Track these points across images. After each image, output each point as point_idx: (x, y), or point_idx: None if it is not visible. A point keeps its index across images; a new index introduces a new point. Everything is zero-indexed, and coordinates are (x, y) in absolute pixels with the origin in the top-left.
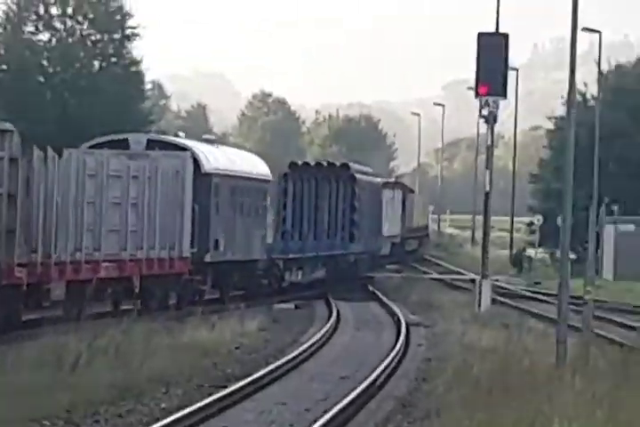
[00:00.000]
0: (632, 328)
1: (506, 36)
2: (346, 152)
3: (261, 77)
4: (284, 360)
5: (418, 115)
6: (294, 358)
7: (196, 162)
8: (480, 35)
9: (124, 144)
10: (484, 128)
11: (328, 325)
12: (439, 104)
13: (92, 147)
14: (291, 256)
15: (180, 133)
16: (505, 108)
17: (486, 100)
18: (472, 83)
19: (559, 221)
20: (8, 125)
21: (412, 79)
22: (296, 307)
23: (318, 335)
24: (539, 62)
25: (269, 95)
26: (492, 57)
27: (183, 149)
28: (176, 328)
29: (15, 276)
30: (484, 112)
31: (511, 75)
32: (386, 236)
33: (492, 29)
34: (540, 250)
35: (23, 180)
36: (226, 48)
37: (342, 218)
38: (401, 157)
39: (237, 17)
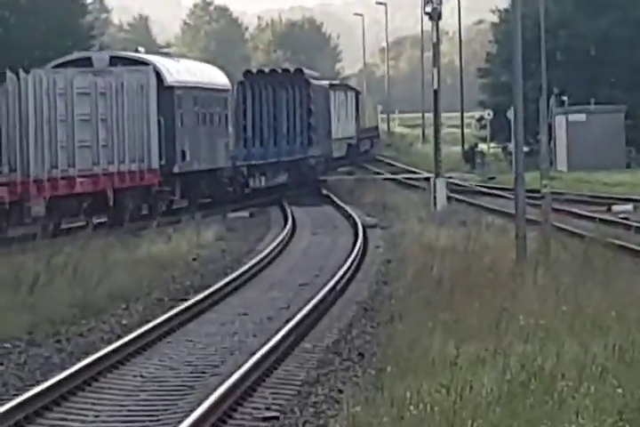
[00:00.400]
0: (591, 219)
1: None
2: (290, 56)
3: None
4: (241, 270)
5: (361, 15)
6: (252, 266)
7: (159, 76)
8: None
9: (87, 62)
10: (428, 25)
11: (284, 231)
12: (381, 3)
13: (56, 66)
14: (254, 163)
15: (140, 49)
16: (447, 3)
17: None
18: None
19: (510, 114)
20: None
21: None
22: (251, 215)
23: (275, 242)
24: None
25: (210, 3)
26: None
27: (145, 63)
28: (132, 242)
29: None
30: (428, 9)
31: None
32: (341, 137)
33: None
34: (492, 144)
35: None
36: None
37: (300, 123)
38: (346, 58)
39: None
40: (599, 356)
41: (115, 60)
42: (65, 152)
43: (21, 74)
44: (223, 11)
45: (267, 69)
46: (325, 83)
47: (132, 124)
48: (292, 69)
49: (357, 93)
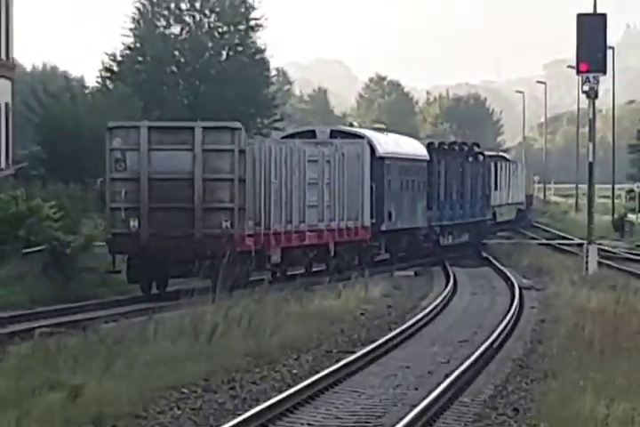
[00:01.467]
0: None
1: (604, 16)
2: (456, 129)
3: (377, 62)
4: (405, 326)
5: (521, 93)
6: (415, 323)
7: (372, 147)
8: (579, 15)
9: (311, 134)
10: (584, 103)
11: (446, 290)
12: (541, 82)
13: (284, 137)
14: (445, 223)
15: (355, 123)
16: (601, 85)
17: (587, 77)
18: (570, 62)
19: None
20: (237, 124)
21: (514, 61)
22: (416, 274)
23: (437, 301)
24: (631, 41)
25: (384, 79)
26: (591, 36)
27: (360, 137)
28: (304, 297)
29: (246, 244)
30: (585, 88)
31: (607, 53)
32: (511, 203)
33: (589, 10)
34: None
35: (250, 167)
36: (344, 36)
37: (478, 190)
38: (507, 132)
39: (354, 10)
40: None
41: (334, 133)
42: (297, 210)
43: (266, 141)
44: (396, 85)
45: (447, 142)
46: (492, 154)
47: (350, 188)
48: (468, 142)
49: (518, 164)
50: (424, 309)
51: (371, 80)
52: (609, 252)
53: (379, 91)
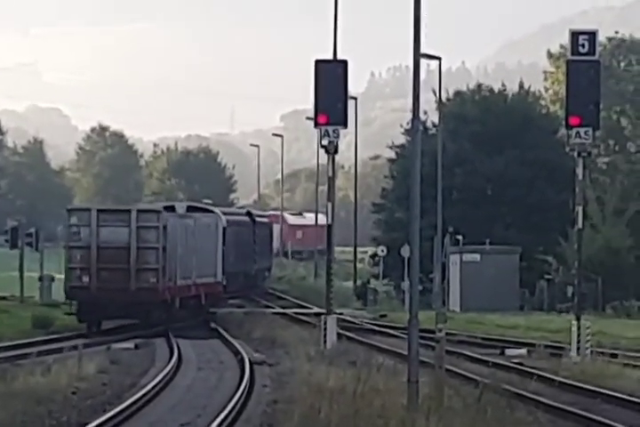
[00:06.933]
0: (485, 362)
1: (345, 63)
2: (185, 185)
3: (99, 112)
4: (122, 406)
5: (257, 146)
6: (133, 403)
7: (219, 220)
8: (317, 62)
9: (171, 209)
10: (323, 158)
11: (169, 365)
12: (277, 135)
13: None
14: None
15: (207, 200)
16: (343, 137)
17: (326, 130)
18: (309, 113)
19: (403, 251)
20: (158, 207)
21: (250, 111)
22: (136, 346)
23: (159, 377)
24: (376, 92)
25: (106, 129)
26: (331, 85)
27: (211, 211)
28: (9, 372)
29: (164, 295)
30: (324, 142)
31: (350, 104)
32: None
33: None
34: (385, 281)
35: (168, 238)
36: (62, 84)
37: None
38: (241, 188)
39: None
40: None
41: (190, 208)
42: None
43: (172, 220)
44: (119, 137)
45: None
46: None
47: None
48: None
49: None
50: (144, 387)
51: (92, 130)
52: (350, 322)
53: (100, 143)
